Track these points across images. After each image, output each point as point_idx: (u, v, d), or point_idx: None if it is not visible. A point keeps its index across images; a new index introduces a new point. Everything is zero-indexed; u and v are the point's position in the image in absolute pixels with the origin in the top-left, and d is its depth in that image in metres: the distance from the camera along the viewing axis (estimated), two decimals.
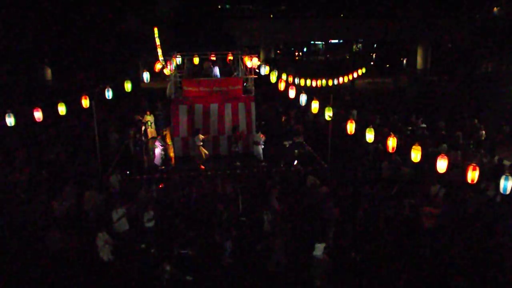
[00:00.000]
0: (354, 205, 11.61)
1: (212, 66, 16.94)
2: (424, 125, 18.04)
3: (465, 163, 12.89)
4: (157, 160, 14.92)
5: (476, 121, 18.36)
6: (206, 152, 15.24)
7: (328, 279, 8.97)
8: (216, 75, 16.77)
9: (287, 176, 13.98)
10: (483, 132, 17.09)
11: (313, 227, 10.95)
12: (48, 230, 10.35)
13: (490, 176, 12.31)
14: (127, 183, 13.31)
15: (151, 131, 17.03)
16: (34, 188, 12.67)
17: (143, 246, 10.82)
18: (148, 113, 17.27)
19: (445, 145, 14.99)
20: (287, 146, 16.41)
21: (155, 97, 20.39)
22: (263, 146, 15.53)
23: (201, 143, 15.02)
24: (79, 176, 13.60)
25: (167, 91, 16.71)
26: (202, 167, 14.86)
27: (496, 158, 14.13)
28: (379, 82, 37.24)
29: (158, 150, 14.89)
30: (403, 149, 12.43)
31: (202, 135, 15.18)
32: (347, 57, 45.29)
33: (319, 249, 8.90)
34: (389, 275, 9.41)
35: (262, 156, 15.45)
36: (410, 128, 18.03)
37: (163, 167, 14.85)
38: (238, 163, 15.04)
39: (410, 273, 9.36)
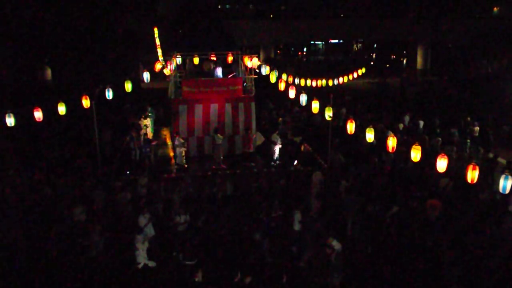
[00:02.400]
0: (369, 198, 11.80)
1: (213, 67, 16.90)
2: (420, 121, 18.62)
3: (459, 157, 13.80)
4: (179, 159, 14.87)
5: (469, 118, 18.71)
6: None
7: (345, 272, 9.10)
8: (218, 76, 16.75)
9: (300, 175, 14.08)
10: (477, 128, 17.55)
11: (335, 223, 11.12)
12: (89, 233, 10.13)
13: (486, 172, 12.78)
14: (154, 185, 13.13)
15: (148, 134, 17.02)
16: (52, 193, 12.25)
17: (174, 254, 10.53)
18: (143, 117, 17.29)
19: (439, 139, 15.76)
20: (298, 142, 16.71)
21: (144, 100, 20.40)
22: (280, 146, 15.52)
23: (221, 142, 15.03)
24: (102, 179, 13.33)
25: (169, 91, 16.70)
26: (223, 166, 14.83)
27: (491, 154, 14.53)
28: (377, 82, 37.21)
29: (179, 149, 14.84)
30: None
31: (221, 134, 15.17)
32: (347, 57, 45.24)
33: (337, 243, 8.96)
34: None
35: (278, 155, 15.44)
36: (401, 125, 18.44)
37: (186, 165, 14.81)
38: (252, 164, 15.01)
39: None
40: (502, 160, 13.99)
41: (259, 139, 16.55)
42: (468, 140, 16.72)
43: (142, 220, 10.40)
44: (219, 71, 16.81)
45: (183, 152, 14.87)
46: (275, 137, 15.50)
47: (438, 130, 17.48)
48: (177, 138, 14.99)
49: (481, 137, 17.07)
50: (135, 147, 15.56)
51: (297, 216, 10.66)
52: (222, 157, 15.05)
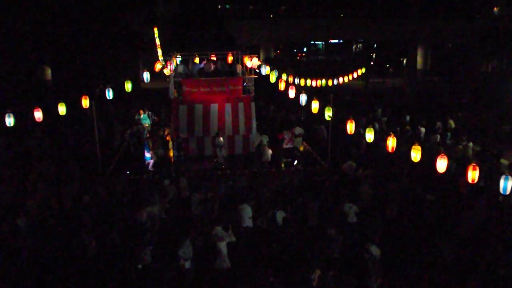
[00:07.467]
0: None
1: (213, 67, 16.90)
2: (407, 117, 20.37)
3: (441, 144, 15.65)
4: (220, 160, 14.79)
5: (460, 114, 20.51)
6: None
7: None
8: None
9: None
10: (452, 122, 19.51)
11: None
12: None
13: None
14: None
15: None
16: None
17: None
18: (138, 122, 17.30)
19: (423, 129, 17.91)
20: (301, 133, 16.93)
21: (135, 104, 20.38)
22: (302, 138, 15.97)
23: (266, 143, 15.15)
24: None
25: (170, 91, 16.66)
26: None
27: (471, 144, 16.02)
28: (377, 82, 37.24)
29: (219, 150, 14.76)
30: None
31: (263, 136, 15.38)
32: (347, 57, 45.29)
33: (375, 248, 8.91)
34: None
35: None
36: (385, 118, 20.35)
37: (223, 160, 14.79)
38: (289, 159, 15.21)
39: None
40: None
41: (257, 139, 16.51)
42: (449, 133, 18.48)
43: (247, 212, 10.42)
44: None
45: (224, 152, 14.84)
46: (299, 130, 15.81)
47: (423, 122, 18.92)
48: (217, 138, 14.82)
49: (456, 130, 18.88)
50: (152, 158, 14.86)
51: (354, 208, 10.66)
52: (268, 159, 14.86)
